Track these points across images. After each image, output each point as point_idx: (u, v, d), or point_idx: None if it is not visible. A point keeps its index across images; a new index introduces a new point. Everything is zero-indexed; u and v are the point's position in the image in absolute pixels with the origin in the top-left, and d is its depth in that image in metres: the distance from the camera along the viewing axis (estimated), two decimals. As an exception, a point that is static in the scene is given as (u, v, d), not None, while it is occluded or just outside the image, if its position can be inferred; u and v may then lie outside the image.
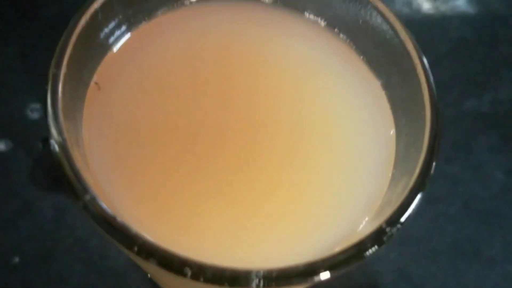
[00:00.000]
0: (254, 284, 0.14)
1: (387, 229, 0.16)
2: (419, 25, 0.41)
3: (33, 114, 0.34)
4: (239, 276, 0.14)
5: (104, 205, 0.15)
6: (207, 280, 0.14)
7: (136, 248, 0.14)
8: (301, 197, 0.18)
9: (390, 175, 0.19)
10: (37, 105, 0.34)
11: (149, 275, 0.29)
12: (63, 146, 0.16)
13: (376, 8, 0.19)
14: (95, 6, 0.18)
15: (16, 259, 0.30)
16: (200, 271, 0.14)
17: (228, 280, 0.14)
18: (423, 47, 0.41)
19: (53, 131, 0.16)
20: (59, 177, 0.32)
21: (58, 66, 0.17)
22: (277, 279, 0.14)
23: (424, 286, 0.32)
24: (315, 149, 0.19)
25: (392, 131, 0.20)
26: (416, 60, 0.19)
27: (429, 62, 0.41)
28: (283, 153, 0.19)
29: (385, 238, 0.16)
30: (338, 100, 0.20)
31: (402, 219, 0.16)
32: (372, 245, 0.15)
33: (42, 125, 0.33)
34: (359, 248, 0.15)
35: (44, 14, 0.37)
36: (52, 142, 0.16)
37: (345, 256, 0.15)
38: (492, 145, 0.37)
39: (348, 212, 0.18)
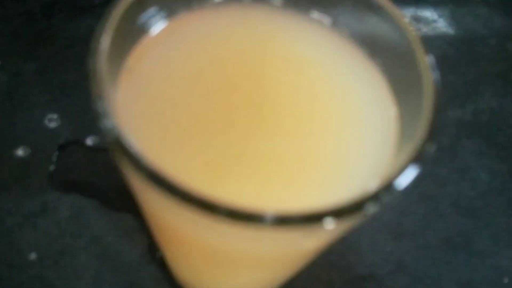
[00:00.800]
0: (267, 221, 0.16)
1: (386, 189, 0.17)
2: (404, 44, 0.44)
3: (51, 123, 0.36)
4: (255, 214, 0.16)
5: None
6: (228, 215, 0.16)
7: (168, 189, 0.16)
8: (315, 163, 0.21)
9: (395, 145, 0.21)
10: (54, 115, 0.36)
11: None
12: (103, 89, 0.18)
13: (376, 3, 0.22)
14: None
15: (33, 255, 0.32)
16: (223, 208, 0.16)
17: (246, 217, 0.16)
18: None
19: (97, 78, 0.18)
20: (76, 180, 0.34)
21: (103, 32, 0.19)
22: (286, 220, 0.16)
23: (419, 276, 0.34)
24: (327, 124, 0.22)
25: (396, 109, 0.22)
26: (419, 51, 0.21)
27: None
28: (299, 126, 0.21)
29: (383, 195, 0.17)
30: (345, 88, 0.23)
31: (400, 180, 0.18)
32: (373, 201, 0.17)
33: (59, 133, 0.36)
34: (360, 201, 0.17)
35: (61, 36, 0.40)
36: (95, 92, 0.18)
37: (347, 207, 0.17)
38: (476, 150, 0.40)
39: (357, 177, 0.21)
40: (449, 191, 0.38)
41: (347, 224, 0.18)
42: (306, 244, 0.20)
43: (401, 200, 0.37)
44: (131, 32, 0.21)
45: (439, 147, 0.40)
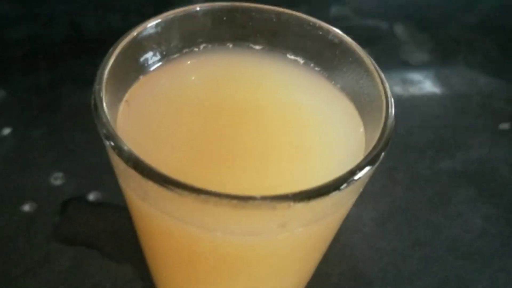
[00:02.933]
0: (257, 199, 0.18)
1: (344, 180, 0.19)
2: (392, 103, 0.47)
3: (56, 181, 0.38)
4: (253, 197, 0.18)
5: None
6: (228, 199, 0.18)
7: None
8: (303, 166, 0.23)
9: (363, 152, 0.23)
10: (59, 174, 0.38)
11: None
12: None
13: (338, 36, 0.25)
14: (123, 44, 0.24)
15: (36, 305, 0.32)
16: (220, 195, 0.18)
17: (245, 199, 0.18)
18: (396, 121, 0.47)
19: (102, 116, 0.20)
20: (78, 233, 0.35)
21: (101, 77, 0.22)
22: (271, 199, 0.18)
23: (419, 318, 0.34)
24: (311, 138, 0.24)
25: (362, 129, 0.25)
26: (374, 72, 0.24)
27: (402, 132, 0.46)
28: (287, 141, 0.24)
29: (342, 186, 0.19)
30: (323, 111, 0.26)
31: (356, 175, 0.20)
32: (334, 187, 0.19)
33: (63, 190, 0.38)
34: (324, 186, 0.19)
35: (67, 104, 0.43)
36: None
37: (314, 191, 0.19)
38: (469, 197, 0.41)
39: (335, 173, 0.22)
40: (444, 236, 0.38)
41: (322, 203, 0.19)
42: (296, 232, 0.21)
43: (397, 245, 0.37)
44: (128, 71, 0.24)
45: (431, 195, 0.41)
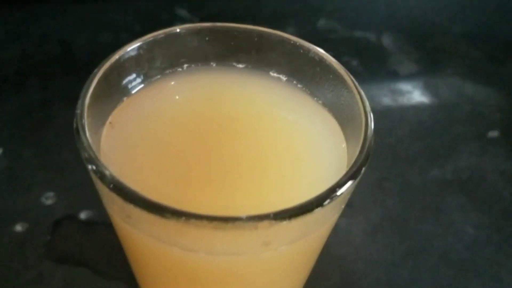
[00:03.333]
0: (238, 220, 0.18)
1: (326, 197, 0.20)
2: (380, 115, 0.47)
3: (47, 201, 0.38)
4: (233, 217, 0.18)
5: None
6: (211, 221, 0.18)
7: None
8: (285, 184, 0.23)
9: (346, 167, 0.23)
10: (50, 193, 0.39)
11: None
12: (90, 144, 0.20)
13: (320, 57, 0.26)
14: (107, 65, 0.24)
15: (28, 326, 0.32)
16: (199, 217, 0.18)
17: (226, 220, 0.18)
18: (384, 131, 0.47)
19: (84, 141, 0.20)
20: (69, 252, 0.35)
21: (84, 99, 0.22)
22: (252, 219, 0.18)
23: (411, 329, 0.34)
24: (293, 155, 0.24)
25: (344, 144, 0.25)
26: (354, 89, 0.24)
27: (391, 142, 0.47)
28: (268, 158, 0.24)
29: (325, 203, 0.19)
30: (304, 126, 0.26)
31: (338, 191, 0.20)
32: (317, 203, 0.19)
33: (55, 209, 0.38)
34: (308, 203, 0.19)
35: (57, 123, 0.44)
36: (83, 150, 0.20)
37: (296, 209, 0.19)
38: (459, 205, 0.41)
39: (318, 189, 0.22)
40: (436, 245, 0.39)
41: (304, 221, 0.20)
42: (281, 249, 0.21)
43: (389, 256, 0.37)
44: (111, 93, 0.24)
45: (422, 205, 0.41)
